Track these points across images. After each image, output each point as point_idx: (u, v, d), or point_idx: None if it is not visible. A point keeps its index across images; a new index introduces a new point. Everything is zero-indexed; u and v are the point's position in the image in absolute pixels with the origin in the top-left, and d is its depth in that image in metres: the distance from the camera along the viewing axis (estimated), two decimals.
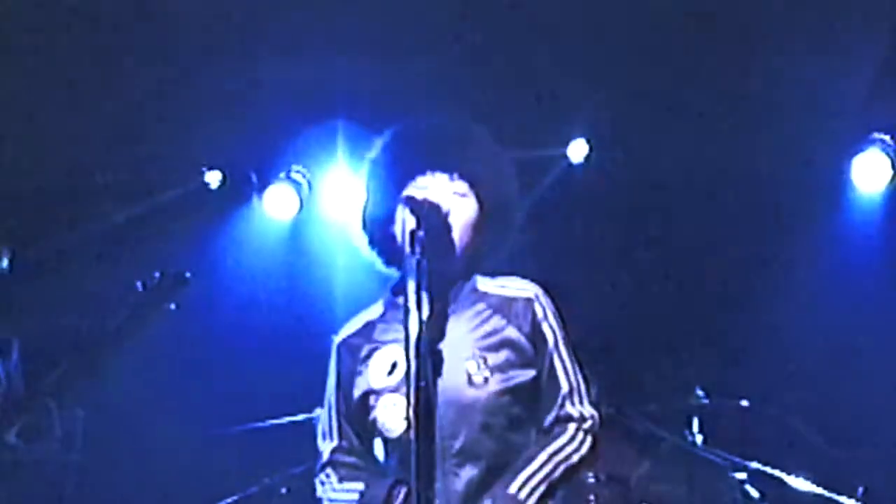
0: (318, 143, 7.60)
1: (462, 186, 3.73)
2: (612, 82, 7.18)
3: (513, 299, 3.78)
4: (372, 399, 3.74)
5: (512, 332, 3.72)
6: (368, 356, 3.78)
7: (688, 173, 7.66)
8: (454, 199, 3.72)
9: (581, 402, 3.78)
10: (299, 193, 7.74)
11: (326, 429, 3.88)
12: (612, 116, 7.40)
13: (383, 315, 3.86)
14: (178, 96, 7.19)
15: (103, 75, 7.07)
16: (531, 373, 3.72)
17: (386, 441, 3.74)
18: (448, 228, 3.66)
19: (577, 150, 7.71)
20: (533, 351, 3.73)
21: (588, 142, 7.73)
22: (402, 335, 3.43)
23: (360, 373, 3.78)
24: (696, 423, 6.89)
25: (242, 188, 7.77)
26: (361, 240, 3.88)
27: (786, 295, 7.56)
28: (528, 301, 3.77)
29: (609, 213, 7.90)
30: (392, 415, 3.63)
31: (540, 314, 3.76)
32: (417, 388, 3.33)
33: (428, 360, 3.41)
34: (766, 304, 7.66)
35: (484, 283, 3.83)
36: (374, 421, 3.73)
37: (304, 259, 7.90)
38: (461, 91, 6.49)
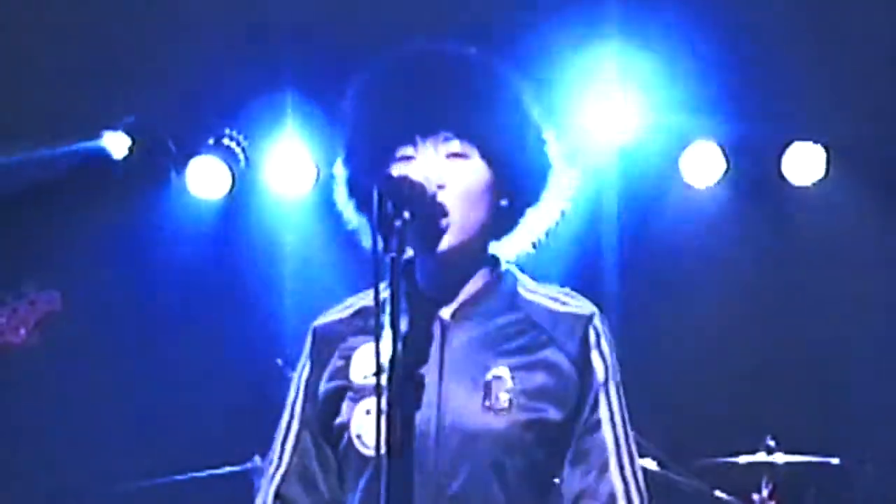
0: (258, 99, 6.93)
1: (457, 146, 3.27)
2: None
3: (562, 314, 3.37)
4: (347, 400, 3.30)
5: (555, 355, 3.29)
6: (355, 347, 3.36)
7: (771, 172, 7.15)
8: (448, 166, 3.25)
9: (633, 472, 3.27)
10: (232, 166, 7.01)
11: (277, 447, 3.38)
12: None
13: (386, 300, 3.33)
14: (72, 33, 6.42)
15: None
16: (566, 413, 3.26)
17: (359, 462, 3.25)
18: (437, 212, 3.19)
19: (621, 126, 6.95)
20: (578, 383, 3.28)
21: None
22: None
23: (336, 367, 3.35)
24: (766, 483, 6.26)
25: (156, 158, 7.04)
26: (346, 202, 3.36)
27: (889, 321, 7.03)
28: (581, 319, 3.35)
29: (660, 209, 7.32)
30: (372, 425, 3.09)
31: (592, 339, 3.33)
32: (391, 398, 2.92)
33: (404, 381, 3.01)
34: (864, 333, 7.10)
35: (529, 288, 3.42)
36: (343, 429, 3.28)
37: (238, 251, 7.26)
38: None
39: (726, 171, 7.11)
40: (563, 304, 3.40)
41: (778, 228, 7.32)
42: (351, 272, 5.92)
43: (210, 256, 7.22)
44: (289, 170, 6.99)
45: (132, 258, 7.02)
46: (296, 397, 3.41)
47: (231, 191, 7.08)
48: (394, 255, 2.97)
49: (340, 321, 3.43)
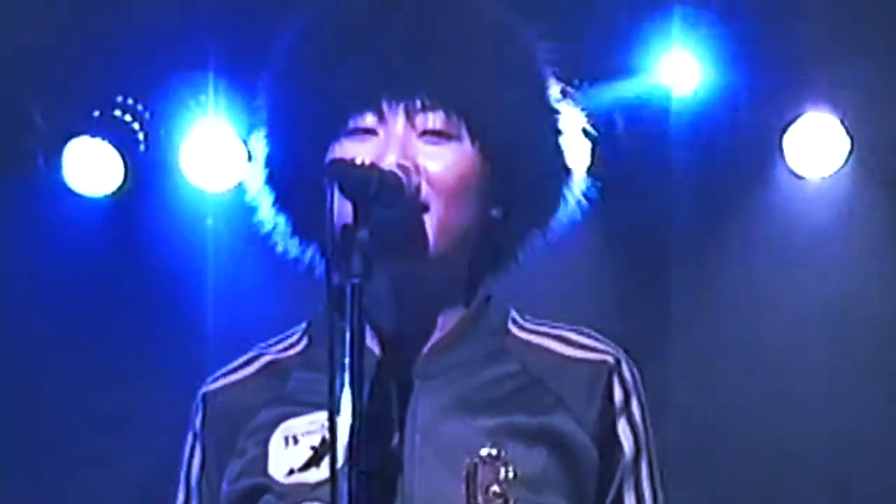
0: (174, 68, 6.03)
1: (440, 120, 2.62)
2: None
3: (574, 362, 2.74)
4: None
5: (564, 423, 2.66)
6: (272, 424, 2.68)
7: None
8: (426, 149, 2.63)
9: None
10: (125, 151, 6.02)
11: None
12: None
13: (305, 352, 2.76)
14: None
15: None
16: None
17: None
18: (416, 215, 2.61)
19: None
20: (599, 465, 2.67)
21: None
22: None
23: (251, 457, 2.65)
24: None
25: (19, 139, 6.06)
26: (260, 190, 2.73)
27: None
28: (602, 370, 2.72)
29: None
30: None
31: (618, 398, 2.70)
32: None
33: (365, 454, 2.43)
34: None
35: (524, 326, 2.81)
36: None
37: (139, 265, 6.28)
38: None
39: (849, 156, 5.98)
40: (576, 347, 2.85)
41: None
42: (292, 288, 5.30)
43: (97, 272, 6.17)
44: (210, 159, 5.95)
45: None
46: (186, 499, 2.89)
47: (124, 184, 5.99)
48: (356, 281, 2.45)
49: (243, 383, 2.85)
